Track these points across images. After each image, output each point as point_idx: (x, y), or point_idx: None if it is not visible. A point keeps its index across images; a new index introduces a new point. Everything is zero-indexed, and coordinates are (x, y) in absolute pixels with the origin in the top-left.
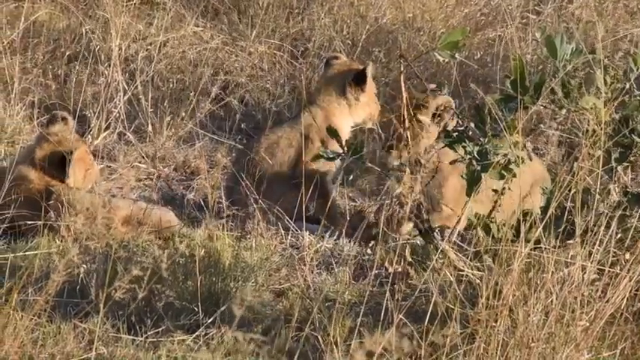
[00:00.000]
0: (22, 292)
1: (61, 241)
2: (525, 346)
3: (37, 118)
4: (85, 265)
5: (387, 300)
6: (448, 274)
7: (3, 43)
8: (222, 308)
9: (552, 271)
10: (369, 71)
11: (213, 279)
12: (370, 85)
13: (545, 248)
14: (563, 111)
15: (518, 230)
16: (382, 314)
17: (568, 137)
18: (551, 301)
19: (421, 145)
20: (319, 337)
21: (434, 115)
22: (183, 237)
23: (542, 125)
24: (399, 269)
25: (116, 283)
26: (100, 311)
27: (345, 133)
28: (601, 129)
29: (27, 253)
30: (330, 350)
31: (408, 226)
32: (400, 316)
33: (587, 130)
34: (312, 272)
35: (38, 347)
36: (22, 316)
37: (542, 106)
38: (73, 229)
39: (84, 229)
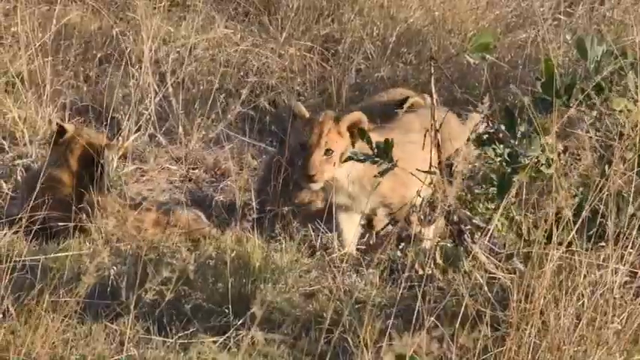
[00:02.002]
0: (53, 294)
1: (91, 243)
2: (556, 349)
3: (69, 120)
4: (115, 267)
5: (418, 302)
6: (479, 276)
7: (35, 45)
8: (252, 310)
9: (584, 274)
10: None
11: (243, 281)
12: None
13: (577, 251)
14: (594, 113)
15: (551, 233)
16: (414, 317)
17: (600, 139)
18: (583, 303)
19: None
20: (349, 339)
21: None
22: (213, 239)
23: (575, 127)
24: (430, 271)
25: (147, 285)
26: (131, 312)
27: None
28: (635, 132)
29: (58, 254)
30: (360, 352)
31: (432, 228)
32: (431, 318)
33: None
34: (342, 274)
35: (69, 348)
36: (53, 317)
37: (573, 107)
38: (104, 232)
39: (115, 232)
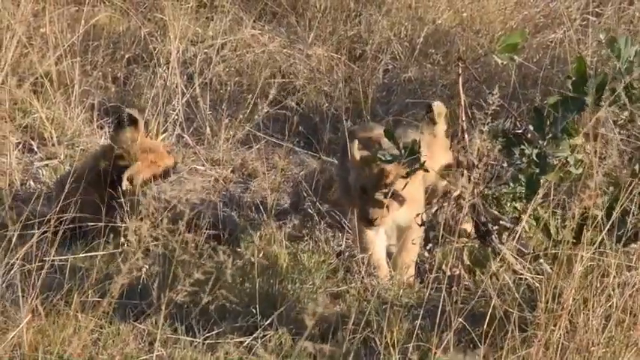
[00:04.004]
0: (81, 294)
1: (124, 245)
2: (585, 350)
3: (97, 120)
4: (145, 267)
5: (444, 303)
6: (506, 277)
7: (63, 46)
8: (280, 310)
9: (614, 275)
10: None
11: (271, 281)
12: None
13: (606, 252)
14: (626, 113)
15: (579, 233)
16: (439, 317)
17: (629, 140)
18: (611, 304)
19: None
20: (376, 339)
21: None
22: (241, 239)
23: (603, 127)
24: (457, 272)
25: (178, 286)
26: (161, 313)
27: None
28: None
29: (87, 254)
30: (387, 353)
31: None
32: (459, 319)
33: None
34: (369, 274)
35: (98, 348)
36: (81, 317)
37: (604, 107)
38: (139, 234)
39: (149, 233)
